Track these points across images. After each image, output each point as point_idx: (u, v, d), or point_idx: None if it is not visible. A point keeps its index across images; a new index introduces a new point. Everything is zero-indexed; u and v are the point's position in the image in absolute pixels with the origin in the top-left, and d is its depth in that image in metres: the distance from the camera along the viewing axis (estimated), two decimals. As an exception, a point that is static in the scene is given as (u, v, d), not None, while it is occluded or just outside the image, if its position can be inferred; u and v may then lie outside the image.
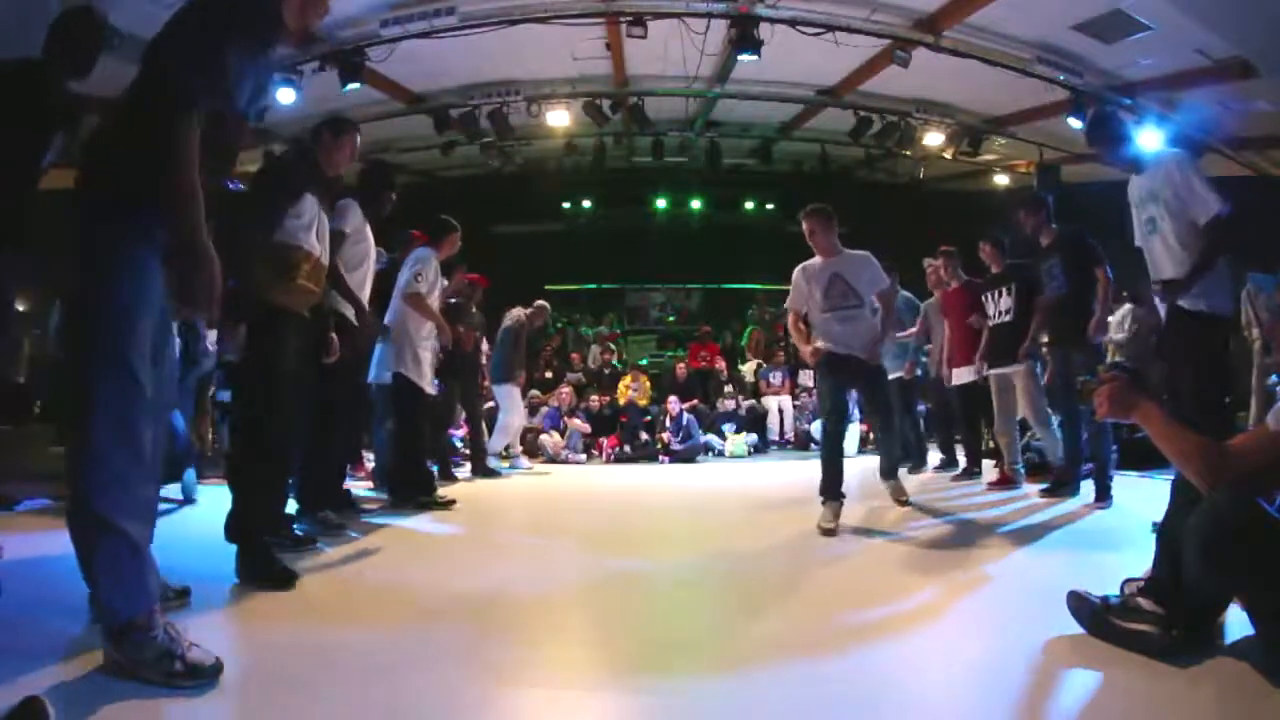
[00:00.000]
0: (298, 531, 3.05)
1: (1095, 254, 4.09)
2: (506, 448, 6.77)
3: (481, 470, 5.88)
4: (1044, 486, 4.31)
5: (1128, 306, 6.20)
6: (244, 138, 1.84)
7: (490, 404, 7.02)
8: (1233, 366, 3.24)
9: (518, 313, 6.60)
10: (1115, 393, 1.72)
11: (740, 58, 6.74)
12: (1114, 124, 3.39)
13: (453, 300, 5.44)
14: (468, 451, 6.26)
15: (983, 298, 4.85)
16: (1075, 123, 7.24)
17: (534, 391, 7.79)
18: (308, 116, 6.87)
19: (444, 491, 4.33)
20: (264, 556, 2.40)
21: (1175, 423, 1.68)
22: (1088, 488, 4.07)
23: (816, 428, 8.12)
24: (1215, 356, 2.97)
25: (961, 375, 5.11)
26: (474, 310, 5.83)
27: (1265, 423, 1.58)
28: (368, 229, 3.56)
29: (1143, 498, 3.88)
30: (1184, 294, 2.92)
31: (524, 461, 6.79)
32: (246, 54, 1.64)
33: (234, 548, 2.43)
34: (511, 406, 6.55)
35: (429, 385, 3.97)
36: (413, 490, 4.11)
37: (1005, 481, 4.69)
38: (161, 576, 2.02)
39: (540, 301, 6.85)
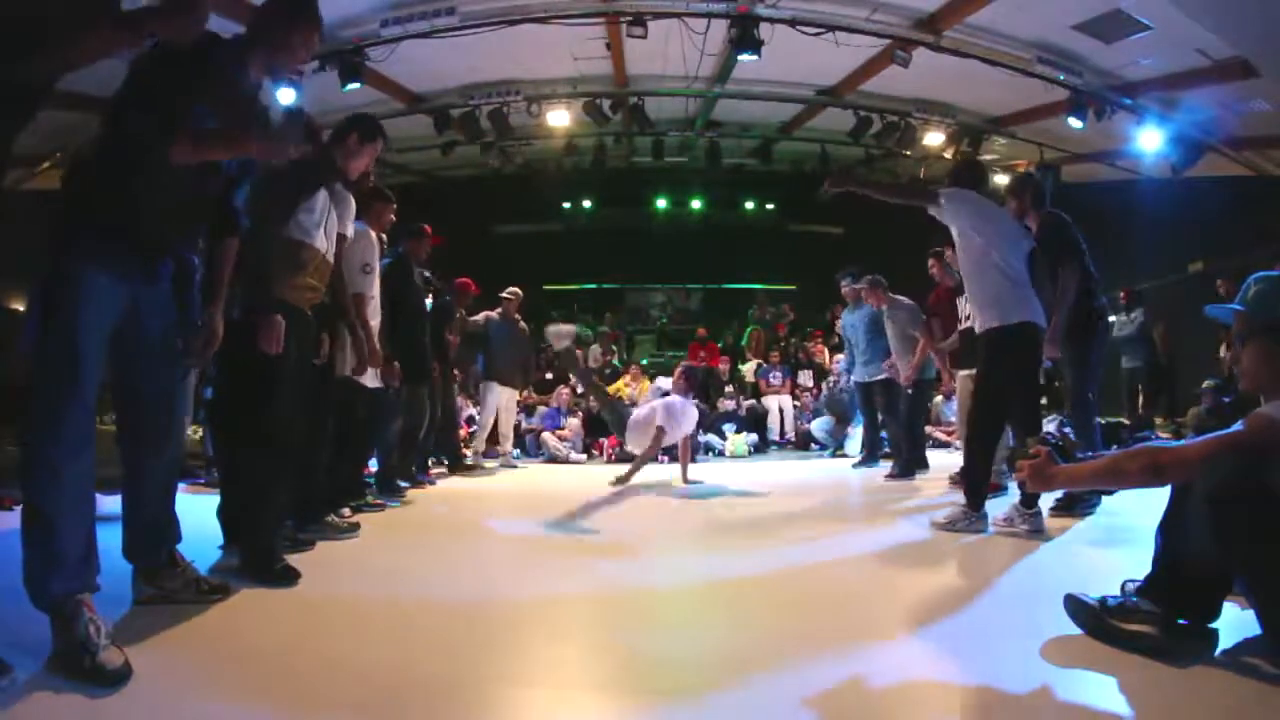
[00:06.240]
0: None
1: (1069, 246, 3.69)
2: (470, 442, 6.73)
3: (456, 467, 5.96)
4: (1055, 504, 3.50)
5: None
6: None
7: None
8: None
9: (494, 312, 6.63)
10: (1035, 470, 1.77)
11: (740, 58, 6.75)
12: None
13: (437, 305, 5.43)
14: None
15: (957, 300, 4.77)
16: (1075, 122, 7.25)
17: (527, 392, 7.77)
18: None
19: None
20: (266, 553, 2.40)
21: (1096, 462, 1.74)
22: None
23: (816, 427, 8.14)
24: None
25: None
26: (457, 314, 5.75)
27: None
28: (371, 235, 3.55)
29: (1141, 499, 3.86)
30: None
31: (485, 460, 6.63)
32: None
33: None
34: (482, 404, 6.63)
35: (372, 380, 3.75)
36: (345, 494, 3.65)
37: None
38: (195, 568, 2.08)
39: (509, 292, 6.73)
